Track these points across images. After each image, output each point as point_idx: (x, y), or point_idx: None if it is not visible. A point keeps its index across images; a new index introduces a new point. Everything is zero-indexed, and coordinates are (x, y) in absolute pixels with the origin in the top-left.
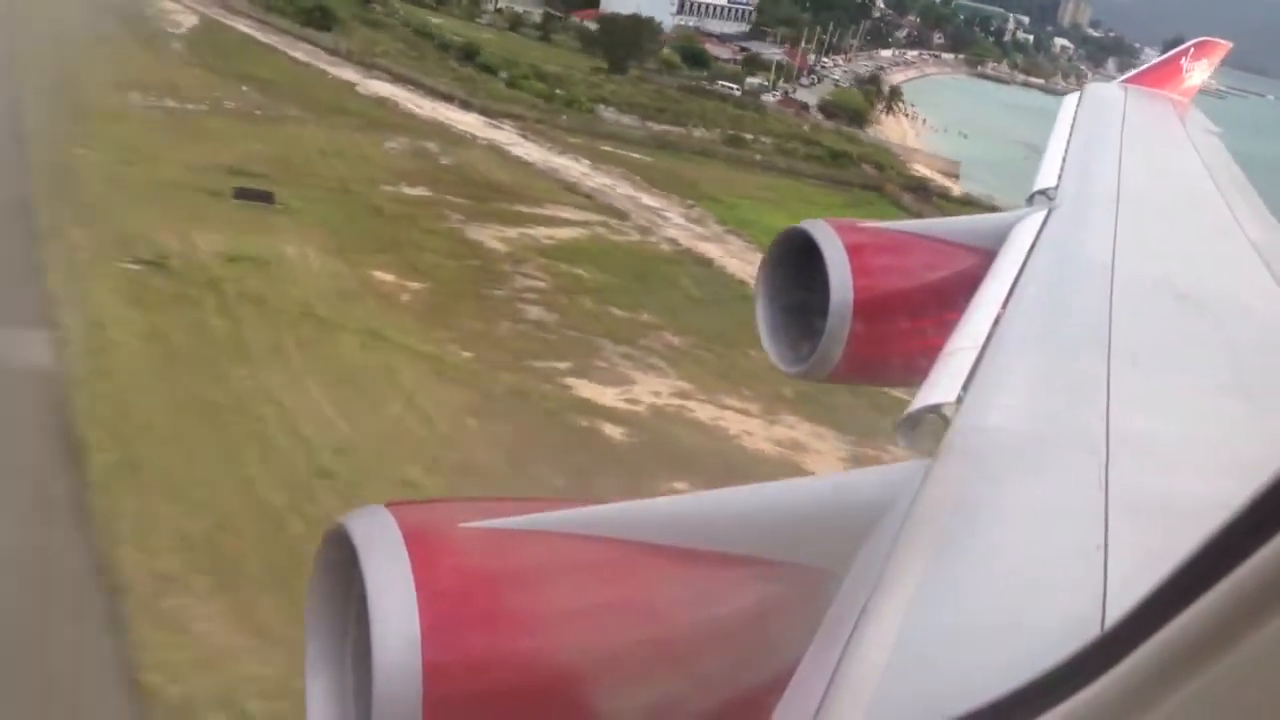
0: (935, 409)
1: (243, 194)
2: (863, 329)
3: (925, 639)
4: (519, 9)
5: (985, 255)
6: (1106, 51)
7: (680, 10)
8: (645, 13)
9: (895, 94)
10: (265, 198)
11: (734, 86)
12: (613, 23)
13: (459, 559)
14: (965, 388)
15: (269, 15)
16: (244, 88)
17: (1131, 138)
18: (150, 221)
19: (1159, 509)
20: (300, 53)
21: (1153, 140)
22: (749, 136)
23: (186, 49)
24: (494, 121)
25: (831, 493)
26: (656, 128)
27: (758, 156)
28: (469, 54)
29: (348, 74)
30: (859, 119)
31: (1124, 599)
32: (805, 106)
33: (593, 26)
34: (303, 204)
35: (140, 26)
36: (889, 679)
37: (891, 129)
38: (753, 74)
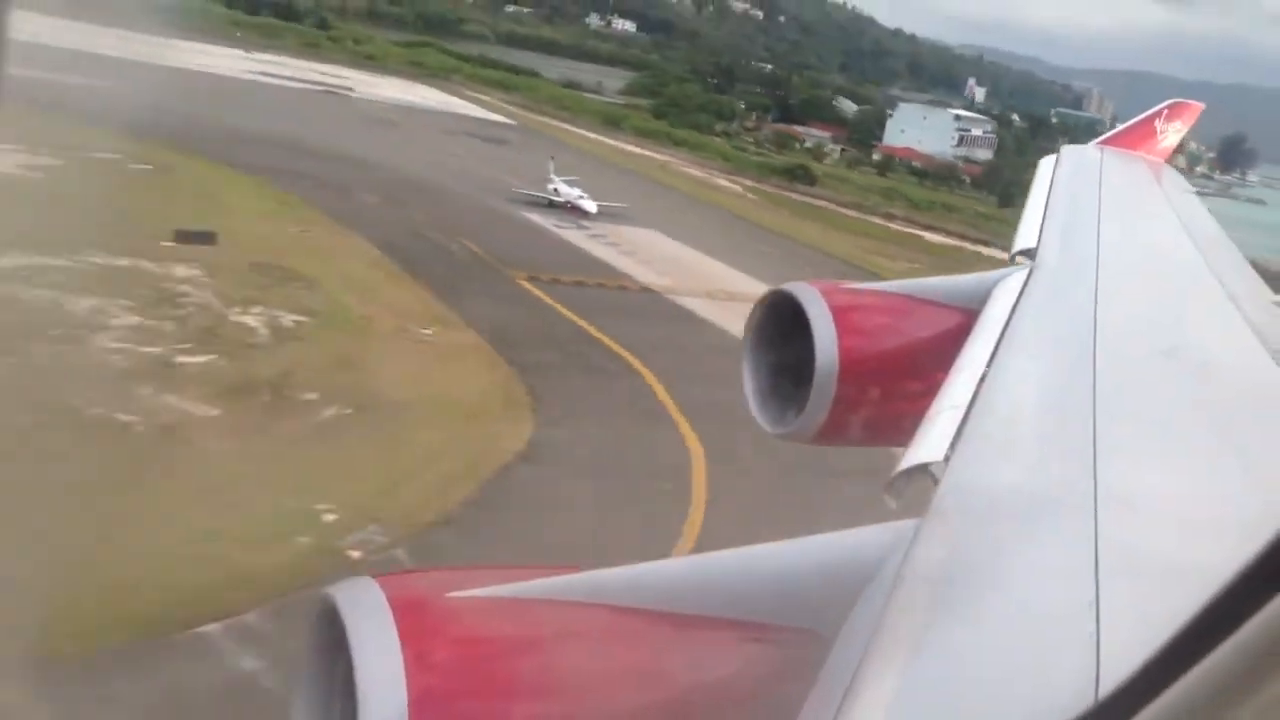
0: (924, 468)
1: None
2: (849, 390)
3: (917, 707)
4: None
5: (968, 315)
6: None
7: (959, 144)
8: (927, 147)
9: None
10: None
11: None
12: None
13: (446, 629)
14: (953, 447)
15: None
16: None
17: (1110, 197)
18: None
19: (1148, 567)
20: None
21: (1130, 199)
22: None
23: None
24: None
25: (822, 554)
26: None
27: None
28: None
29: None
30: None
31: (1117, 660)
32: None
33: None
34: None
35: None
36: None
37: None
38: None
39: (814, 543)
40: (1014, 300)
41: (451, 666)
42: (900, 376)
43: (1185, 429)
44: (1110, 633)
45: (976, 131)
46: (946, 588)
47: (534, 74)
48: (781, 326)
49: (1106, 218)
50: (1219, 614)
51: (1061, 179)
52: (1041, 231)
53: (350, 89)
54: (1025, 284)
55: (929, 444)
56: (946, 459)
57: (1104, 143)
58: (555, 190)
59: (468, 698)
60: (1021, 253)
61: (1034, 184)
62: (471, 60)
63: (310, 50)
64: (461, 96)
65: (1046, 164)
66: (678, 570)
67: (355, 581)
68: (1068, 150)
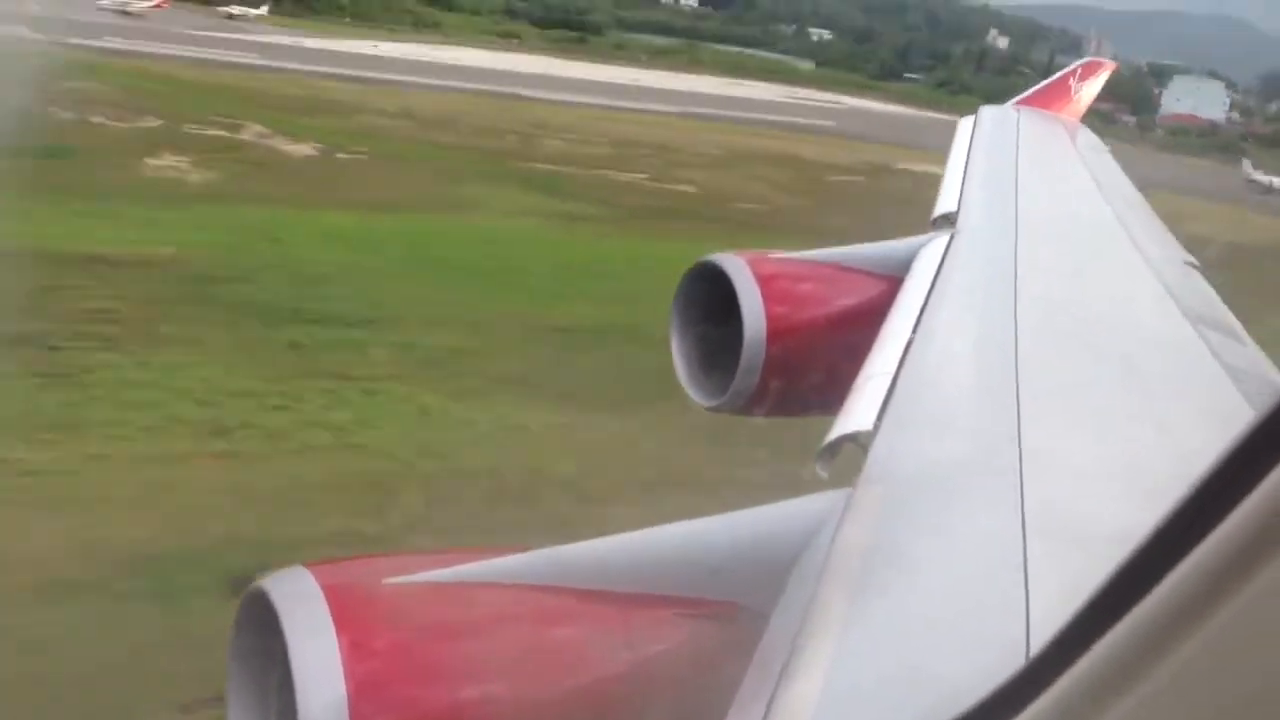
0: (852, 437)
1: None
2: (777, 359)
3: (854, 678)
4: None
5: (892, 281)
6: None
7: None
8: (1204, 113)
9: None
10: None
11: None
12: None
13: (385, 617)
14: (880, 415)
15: None
16: None
17: (1027, 160)
18: None
19: (1073, 528)
20: None
21: (1047, 162)
22: None
23: None
24: None
25: (756, 527)
26: None
27: None
28: None
29: None
30: None
31: (1046, 620)
32: None
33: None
34: None
35: None
36: (821, 718)
37: None
38: None
39: (748, 516)
40: (936, 267)
41: (389, 653)
42: (828, 345)
43: (1104, 391)
44: (1039, 595)
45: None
46: (878, 557)
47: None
48: (708, 298)
49: (1024, 181)
50: (1138, 571)
51: (980, 141)
52: (961, 196)
53: (803, 99)
54: (946, 250)
55: (857, 413)
56: (875, 428)
57: (1020, 103)
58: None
59: (406, 684)
60: (942, 217)
61: (953, 146)
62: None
63: (668, 60)
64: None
65: (965, 124)
66: (611, 548)
67: (288, 571)
68: (986, 111)
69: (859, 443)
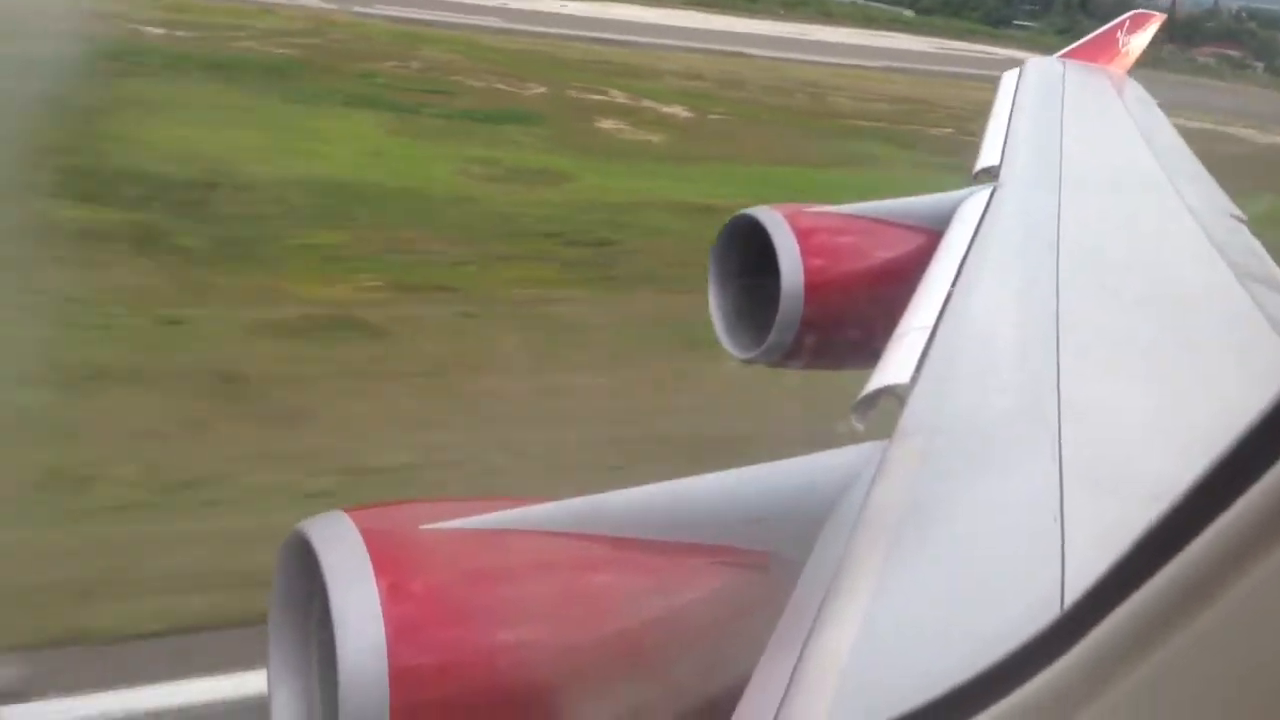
0: (890, 390)
1: None
2: (814, 313)
3: (888, 627)
4: None
5: (932, 235)
6: None
7: None
8: None
9: None
10: None
11: None
12: None
13: (422, 561)
14: (919, 368)
15: None
16: None
17: (1072, 113)
18: None
19: (1113, 480)
20: None
21: (1093, 115)
22: None
23: None
24: None
25: (792, 477)
26: None
27: None
28: None
29: None
30: None
31: (1081, 572)
32: None
33: None
34: None
35: None
36: (852, 669)
37: None
38: None
39: (784, 466)
40: (978, 220)
41: (427, 597)
42: (866, 298)
43: (1146, 344)
44: (1075, 545)
45: None
46: (914, 508)
47: None
48: (746, 251)
49: (1069, 134)
50: (1178, 522)
51: (1024, 94)
52: (1004, 149)
53: None
54: (988, 203)
55: (895, 366)
56: (912, 381)
57: (1066, 55)
58: None
59: (444, 627)
60: (984, 171)
61: (996, 99)
62: None
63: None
64: None
65: (1009, 77)
66: (646, 497)
67: (327, 515)
68: (1032, 62)
69: (896, 395)
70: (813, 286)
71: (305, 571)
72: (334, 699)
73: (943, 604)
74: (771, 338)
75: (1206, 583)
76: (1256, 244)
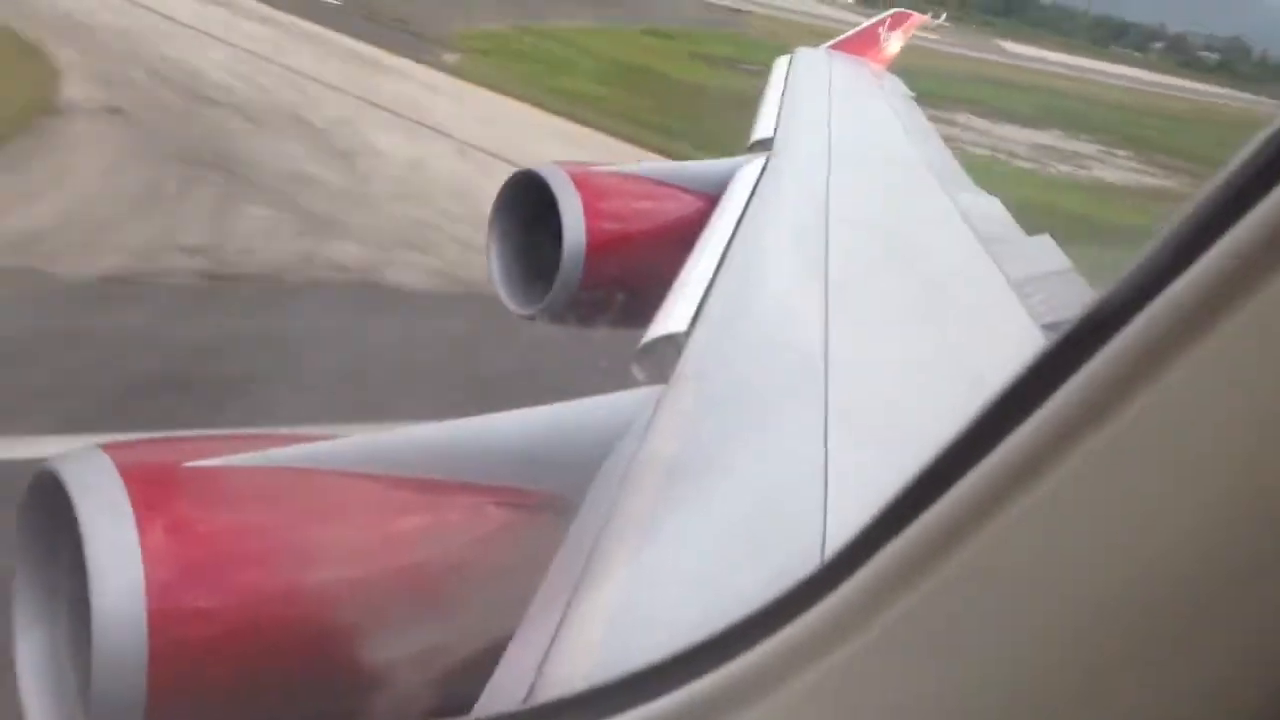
0: (669, 339)
1: None
2: (594, 272)
3: (653, 575)
4: None
5: (708, 200)
6: None
7: None
8: None
9: None
10: None
11: None
12: None
13: (184, 499)
14: (695, 318)
15: None
16: None
17: (839, 96)
18: None
19: (873, 436)
20: None
21: (857, 99)
22: None
23: None
24: None
25: (572, 418)
26: None
27: None
28: None
29: None
30: None
31: (841, 524)
32: None
33: None
34: None
35: None
36: (620, 616)
37: None
38: None
39: (565, 408)
40: (753, 185)
41: (190, 540)
42: (645, 259)
43: (907, 309)
44: (837, 496)
45: None
46: (685, 455)
47: None
48: (527, 207)
49: (836, 114)
50: (931, 477)
51: (795, 77)
52: (778, 124)
53: None
54: (762, 171)
55: (673, 316)
56: (689, 330)
57: (833, 48)
58: None
59: (205, 568)
60: (758, 143)
61: (770, 81)
62: None
63: None
64: None
65: (781, 63)
66: (424, 435)
67: (81, 452)
68: (801, 51)
69: (674, 343)
70: (594, 245)
71: (55, 512)
72: (87, 654)
73: (709, 554)
74: (552, 293)
75: (954, 534)
76: (1003, 213)
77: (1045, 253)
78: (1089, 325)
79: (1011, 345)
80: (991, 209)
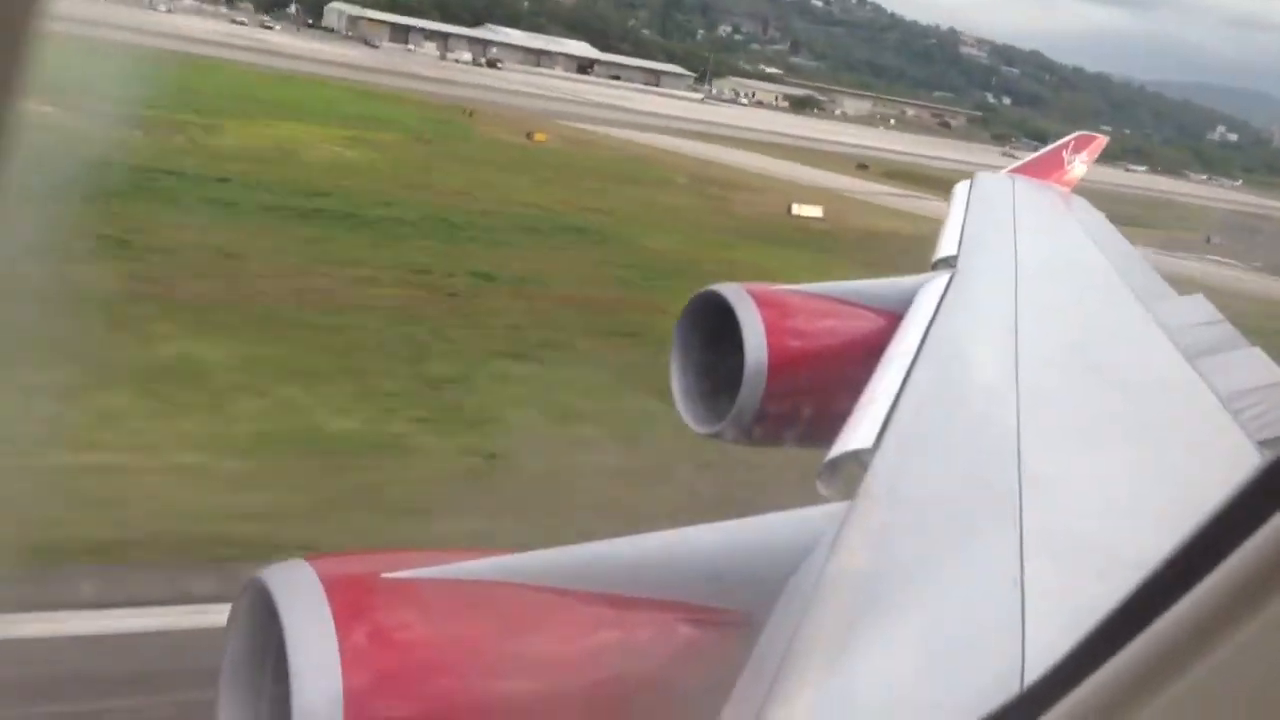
0: (854, 455)
1: None
2: (777, 389)
3: (846, 691)
4: None
5: (890, 317)
6: None
7: None
8: None
9: None
10: None
11: None
12: None
13: (382, 612)
14: (881, 435)
15: None
16: None
17: (1024, 215)
18: None
19: (1072, 556)
20: None
21: (1043, 217)
22: None
23: None
24: None
25: (756, 536)
26: None
27: None
28: None
29: None
30: None
31: (1041, 643)
32: None
33: None
34: None
35: None
36: None
37: None
38: None
39: (749, 524)
40: (937, 303)
41: (387, 649)
42: (827, 376)
43: (1105, 424)
44: (1035, 620)
45: None
46: (874, 573)
47: None
48: (710, 328)
49: (1023, 231)
50: (1141, 602)
51: (977, 199)
52: (961, 242)
53: None
54: (947, 288)
55: (859, 433)
56: (875, 447)
57: (1014, 172)
58: None
59: (402, 679)
60: (941, 261)
61: (951, 204)
62: None
63: None
64: None
65: (961, 188)
66: (610, 551)
67: (288, 564)
68: (981, 176)
69: (860, 460)
70: (776, 363)
71: (264, 620)
72: None
73: (901, 673)
74: (734, 412)
75: (1166, 665)
76: (1213, 328)
77: (1258, 365)
78: None
79: (1222, 461)
80: (1197, 311)
